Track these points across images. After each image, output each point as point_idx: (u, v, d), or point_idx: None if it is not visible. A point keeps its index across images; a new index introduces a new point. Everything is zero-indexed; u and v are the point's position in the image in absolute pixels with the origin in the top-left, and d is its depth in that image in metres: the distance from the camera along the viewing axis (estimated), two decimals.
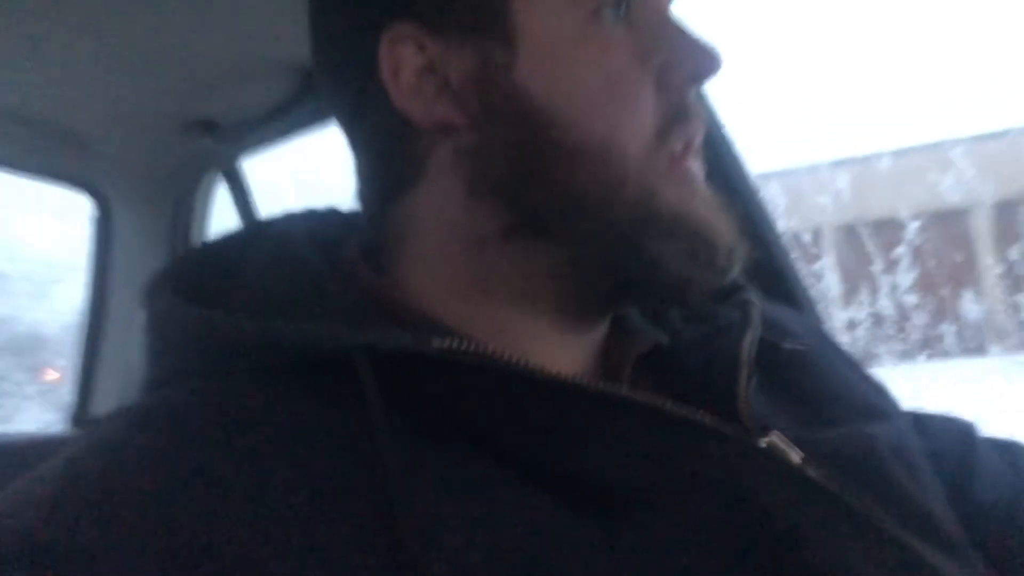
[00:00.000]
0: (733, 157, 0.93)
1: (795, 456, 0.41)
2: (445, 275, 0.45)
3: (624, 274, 0.44)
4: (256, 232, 0.49)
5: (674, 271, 0.43)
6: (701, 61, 0.44)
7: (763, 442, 0.41)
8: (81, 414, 1.52)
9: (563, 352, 0.46)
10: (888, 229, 7.95)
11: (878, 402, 0.52)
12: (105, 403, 1.51)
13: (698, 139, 0.46)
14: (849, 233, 8.18)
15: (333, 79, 0.48)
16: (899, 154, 8.49)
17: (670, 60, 0.44)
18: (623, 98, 0.43)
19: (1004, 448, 0.56)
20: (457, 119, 0.43)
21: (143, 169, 1.46)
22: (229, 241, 0.50)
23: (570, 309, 0.46)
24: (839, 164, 8.54)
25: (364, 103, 0.46)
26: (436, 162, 0.45)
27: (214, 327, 0.40)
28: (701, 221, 0.43)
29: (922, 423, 0.56)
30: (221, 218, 1.56)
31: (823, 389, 0.50)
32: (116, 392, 1.48)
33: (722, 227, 0.44)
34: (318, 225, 0.50)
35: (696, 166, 0.46)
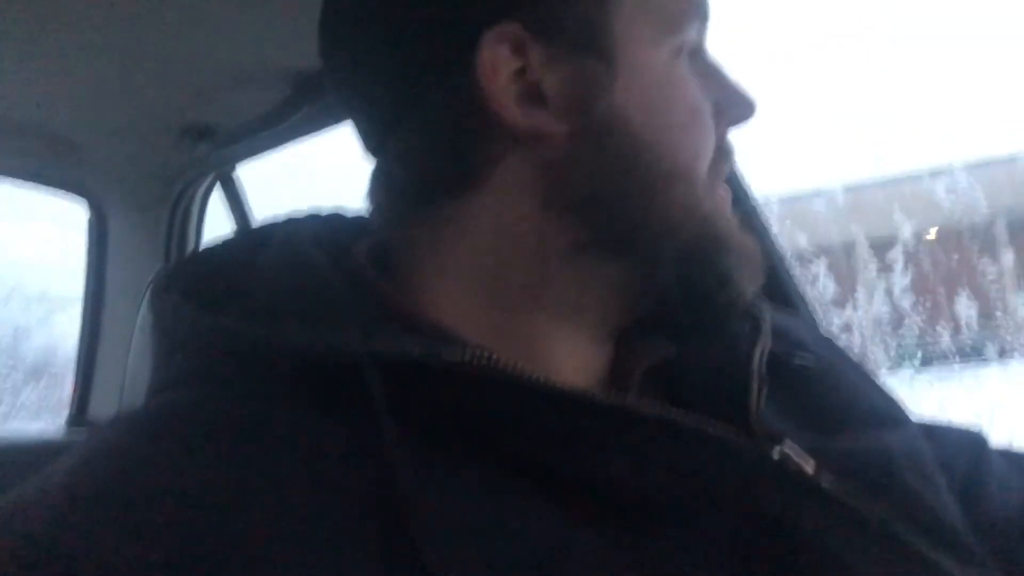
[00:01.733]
0: (735, 174, 0.95)
1: (808, 466, 0.41)
2: (487, 282, 0.45)
3: (696, 290, 0.45)
4: (262, 235, 0.48)
5: (737, 284, 0.45)
6: (746, 106, 0.48)
7: (776, 452, 0.41)
8: (78, 416, 1.52)
9: (578, 362, 0.46)
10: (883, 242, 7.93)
11: (889, 410, 0.52)
12: (102, 406, 1.51)
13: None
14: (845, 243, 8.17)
15: (398, 60, 0.45)
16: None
17: (723, 101, 0.47)
18: (702, 130, 0.46)
19: (1015, 459, 0.56)
20: (554, 129, 0.43)
21: (138, 175, 1.46)
22: (234, 244, 0.49)
23: (610, 323, 0.46)
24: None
25: (438, 92, 0.44)
26: (507, 169, 0.44)
27: (221, 331, 0.40)
28: (747, 240, 0.47)
29: (931, 433, 0.55)
30: (216, 224, 1.57)
31: (834, 399, 0.50)
32: (113, 395, 1.48)
33: (751, 242, 0.48)
34: (323, 228, 0.49)
35: (727, 193, 0.49)
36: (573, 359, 0.45)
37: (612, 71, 0.43)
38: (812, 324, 0.67)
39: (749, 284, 0.46)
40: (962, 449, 0.55)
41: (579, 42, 0.43)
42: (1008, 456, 0.57)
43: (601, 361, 0.47)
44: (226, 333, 0.40)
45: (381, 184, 0.48)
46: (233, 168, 1.50)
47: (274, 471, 0.34)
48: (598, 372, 0.47)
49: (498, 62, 0.42)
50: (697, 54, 0.47)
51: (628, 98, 0.43)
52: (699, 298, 0.45)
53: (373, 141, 0.49)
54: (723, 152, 0.48)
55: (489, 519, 0.35)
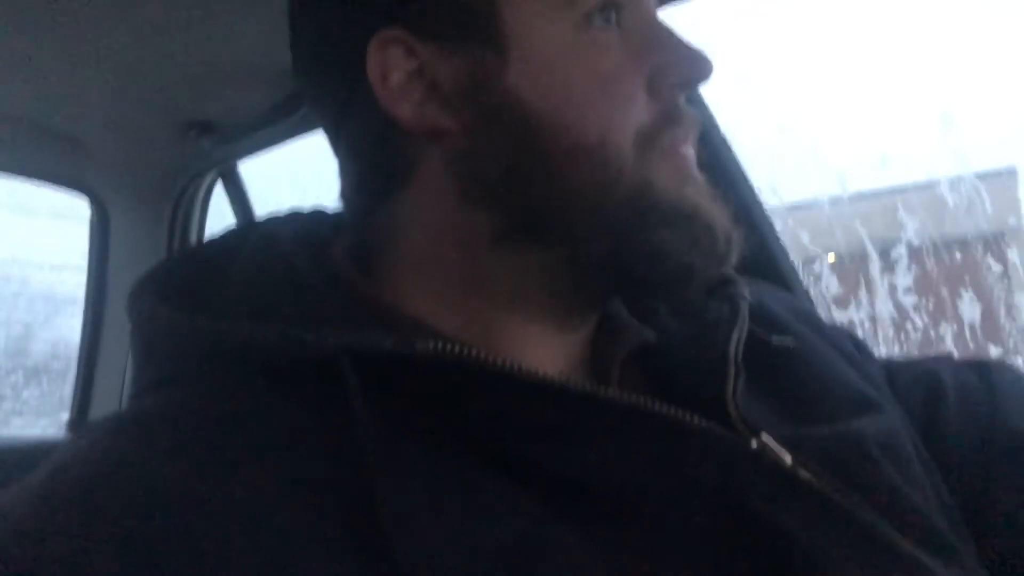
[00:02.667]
0: (726, 149, 0.94)
1: (786, 457, 0.41)
2: (434, 278, 0.45)
3: (627, 268, 0.44)
4: (241, 234, 0.49)
5: (676, 260, 0.43)
6: (692, 66, 0.45)
7: (754, 443, 0.41)
8: (79, 419, 1.51)
9: (552, 352, 0.46)
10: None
11: (866, 390, 0.51)
12: (103, 407, 1.50)
13: (690, 139, 0.46)
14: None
15: (318, 82, 0.48)
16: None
17: (661, 64, 0.45)
18: (616, 99, 0.43)
19: (978, 369, 0.55)
20: (448, 124, 0.43)
21: (140, 172, 1.46)
22: (214, 244, 0.49)
23: (562, 309, 0.46)
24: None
25: (351, 106, 0.46)
26: (425, 166, 0.45)
27: (197, 332, 0.40)
28: (698, 206, 0.44)
29: (892, 377, 0.55)
30: (219, 220, 1.56)
31: (813, 383, 0.49)
32: (114, 396, 1.48)
33: (717, 212, 0.45)
34: (304, 227, 0.50)
35: (688, 150, 0.46)
36: (543, 349, 0.45)
37: (502, 56, 0.43)
38: (796, 298, 0.65)
39: (703, 257, 0.43)
40: (917, 383, 0.54)
41: (466, 33, 0.43)
42: (972, 367, 0.55)
43: (579, 351, 0.47)
44: (202, 334, 0.40)
45: (339, 192, 0.50)
46: (235, 164, 1.50)
47: (250, 470, 0.34)
48: (574, 362, 0.47)
49: (388, 67, 0.43)
50: (630, 19, 0.45)
51: (523, 80, 0.43)
52: (632, 278, 0.45)
53: (333, 151, 0.51)
54: (669, 120, 0.45)
55: (463, 511, 0.35)
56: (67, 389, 1.58)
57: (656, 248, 0.43)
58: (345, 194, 0.50)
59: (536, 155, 0.42)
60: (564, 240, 0.44)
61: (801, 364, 0.50)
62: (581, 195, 0.43)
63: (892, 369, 0.56)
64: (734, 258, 0.45)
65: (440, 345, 0.37)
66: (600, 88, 0.43)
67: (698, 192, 0.45)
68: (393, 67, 0.43)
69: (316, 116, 0.50)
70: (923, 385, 0.54)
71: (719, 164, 0.92)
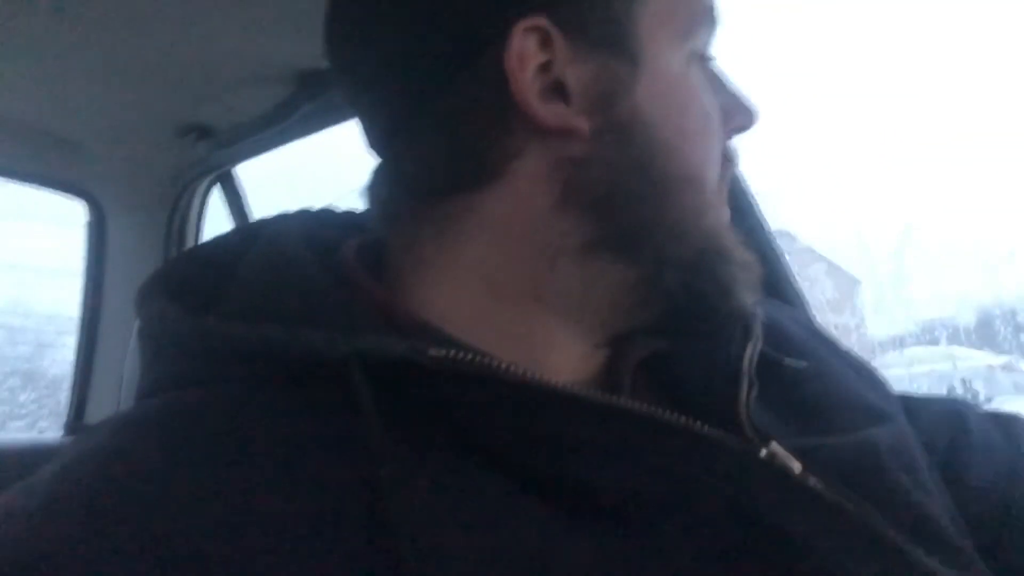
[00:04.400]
0: (737, 178, 0.95)
1: (795, 466, 0.41)
2: (491, 279, 0.44)
3: (700, 296, 0.44)
4: (250, 234, 0.48)
5: (739, 296, 0.45)
6: (749, 114, 0.49)
7: (763, 452, 0.41)
8: (76, 421, 1.51)
9: (575, 362, 0.46)
10: None
11: (877, 403, 0.52)
12: (100, 410, 1.50)
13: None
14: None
15: (414, 52, 0.44)
16: None
17: (727, 109, 0.48)
18: (713, 135, 0.46)
19: (1001, 421, 0.56)
20: (575, 125, 0.43)
21: (138, 175, 1.45)
22: (222, 244, 0.49)
23: (615, 324, 0.46)
24: None
25: (468, 85, 0.43)
26: (525, 163, 0.44)
27: (206, 333, 0.39)
28: (742, 252, 0.47)
29: (912, 410, 0.56)
30: (216, 224, 1.56)
31: (823, 396, 0.50)
32: (111, 399, 1.47)
33: (751, 258, 0.47)
34: (313, 226, 0.49)
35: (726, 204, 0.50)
36: (570, 360, 0.45)
37: (635, 71, 0.43)
38: (805, 318, 0.66)
39: (749, 296, 0.46)
40: (943, 421, 0.55)
41: (605, 40, 0.43)
42: (994, 418, 0.57)
43: (596, 362, 0.47)
44: (211, 335, 0.39)
45: (386, 180, 0.48)
46: (233, 168, 1.50)
47: (260, 476, 0.34)
48: (590, 371, 0.47)
49: (526, 55, 0.42)
50: (704, 61, 0.48)
51: (648, 99, 0.43)
52: (703, 307, 0.45)
53: (382, 136, 0.48)
54: (727, 159, 0.48)
55: (472, 517, 0.34)
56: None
57: (727, 283, 0.45)
58: (380, 191, 0.48)
59: (651, 175, 0.43)
60: (650, 260, 0.44)
61: (813, 380, 0.51)
62: (678, 220, 0.44)
63: (912, 403, 0.57)
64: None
65: (453, 352, 0.37)
66: (705, 123, 0.46)
67: (732, 234, 0.47)
68: (530, 56, 0.42)
69: (379, 90, 0.47)
70: (949, 423, 0.55)
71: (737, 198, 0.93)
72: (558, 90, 0.43)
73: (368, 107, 0.48)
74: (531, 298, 0.44)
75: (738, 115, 0.49)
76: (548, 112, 0.42)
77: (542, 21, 0.42)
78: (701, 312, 0.45)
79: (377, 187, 0.48)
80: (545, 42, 0.43)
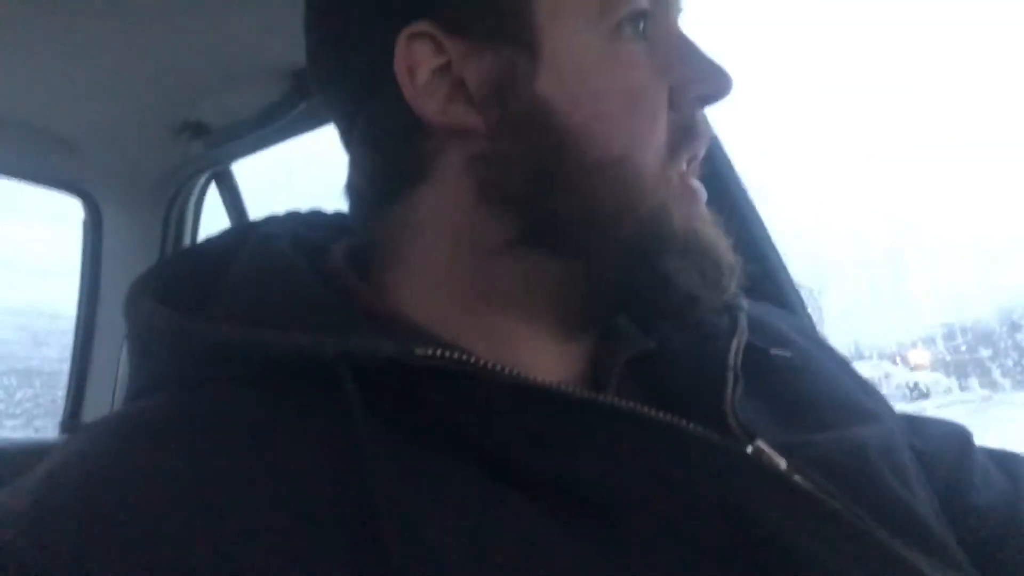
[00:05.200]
0: (729, 167, 0.94)
1: (781, 463, 0.41)
2: (441, 280, 0.45)
3: (634, 289, 0.43)
4: (239, 236, 0.48)
5: (684, 289, 0.43)
6: (715, 81, 0.45)
7: (749, 449, 0.41)
8: (72, 420, 1.51)
9: (554, 359, 0.45)
10: None
11: (867, 403, 0.52)
12: (96, 409, 1.50)
13: (700, 155, 0.46)
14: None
15: (337, 70, 0.47)
16: None
17: (685, 78, 0.44)
18: (643, 114, 0.43)
19: (1000, 457, 0.56)
20: (474, 124, 0.43)
21: (134, 173, 1.45)
22: (212, 245, 0.49)
23: (570, 319, 0.45)
24: None
25: (371, 97, 0.45)
26: (444, 164, 0.44)
27: (195, 335, 0.39)
28: (708, 240, 0.44)
29: (917, 426, 0.56)
30: (213, 222, 1.56)
31: (811, 393, 0.50)
32: (107, 398, 1.47)
33: (724, 246, 0.45)
34: (302, 228, 0.49)
35: (699, 184, 0.46)
36: (545, 357, 0.45)
37: (534, 60, 0.42)
38: (796, 315, 0.66)
39: (708, 290, 0.44)
40: (948, 443, 0.55)
41: (496, 34, 0.43)
42: (993, 454, 0.57)
43: (579, 358, 0.47)
44: (200, 337, 0.39)
45: (346, 186, 0.50)
46: (229, 165, 1.49)
47: (247, 474, 0.34)
48: (575, 369, 0.47)
49: (415, 62, 0.43)
50: (656, 29, 0.45)
51: (553, 87, 0.42)
52: (639, 301, 0.45)
53: (343, 143, 0.50)
54: (687, 134, 0.45)
55: (460, 513, 0.35)
56: None
57: (666, 275, 0.43)
58: (355, 188, 0.49)
59: (560, 165, 0.42)
60: (578, 254, 0.43)
61: (801, 375, 0.51)
62: (601, 210, 0.42)
63: (916, 420, 0.57)
64: (735, 288, 0.45)
65: (438, 351, 0.37)
66: (628, 103, 0.43)
67: (707, 225, 0.45)
68: (420, 62, 0.43)
69: (329, 105, 0.49)
70: (955, 445, 0.55)
71: (723, 184, 0.92)
72: (462, 89, 0.43)
73: (334, 119, 0.50)
74: (477, 295, 0.44)
75: (702, 84, 0.45)
76: (443, 114, 0.43)
77: (424, 27, 0.43)
78: (639, 306, 0.45)
79: (345, 192, 0.50)
80: (438, 45, 0.43)
